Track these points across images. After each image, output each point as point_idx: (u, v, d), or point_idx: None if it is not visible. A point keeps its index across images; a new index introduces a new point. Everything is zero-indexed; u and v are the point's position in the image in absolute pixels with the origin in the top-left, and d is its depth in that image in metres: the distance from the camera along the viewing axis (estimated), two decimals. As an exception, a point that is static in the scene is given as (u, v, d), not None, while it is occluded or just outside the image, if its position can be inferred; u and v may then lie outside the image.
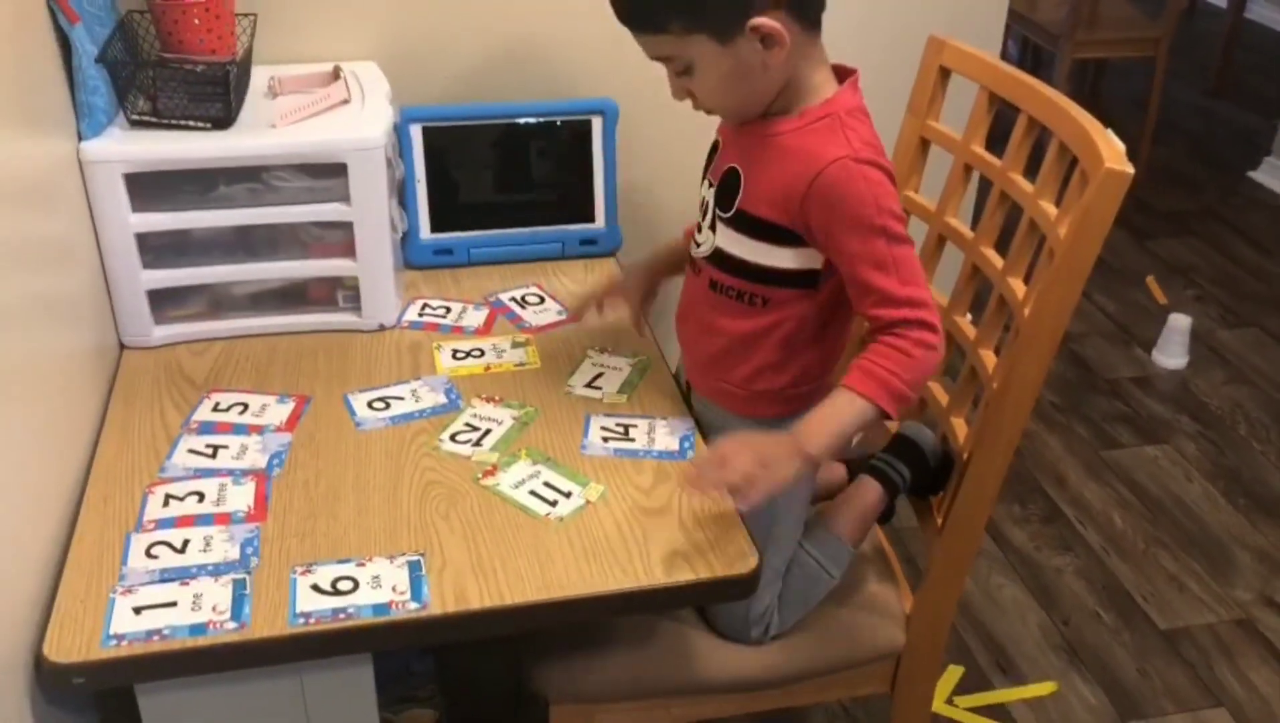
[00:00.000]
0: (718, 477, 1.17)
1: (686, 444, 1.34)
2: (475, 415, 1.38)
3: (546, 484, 1.27)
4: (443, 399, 1.40)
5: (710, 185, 1.33)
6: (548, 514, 1.23)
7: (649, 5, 1.19)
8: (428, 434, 1.35)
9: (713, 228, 1.31)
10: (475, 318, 1.59)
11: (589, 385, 1.43)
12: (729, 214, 1.28)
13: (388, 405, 1.39)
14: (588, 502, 1.24)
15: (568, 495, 1.25)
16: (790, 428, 1.23)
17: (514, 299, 1.63)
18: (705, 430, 1.37)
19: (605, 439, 1.34)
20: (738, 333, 1.32)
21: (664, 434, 1.35)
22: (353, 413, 1.38)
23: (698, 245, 1.35)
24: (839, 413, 1.22)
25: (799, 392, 1.34)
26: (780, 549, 1.39)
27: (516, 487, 1.27)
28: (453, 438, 1.34)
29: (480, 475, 1.28)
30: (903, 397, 1.22)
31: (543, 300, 1.63)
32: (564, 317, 1.59)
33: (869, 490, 1.47)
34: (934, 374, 1.28)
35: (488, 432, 1.35)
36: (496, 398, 1.41)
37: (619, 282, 1.52)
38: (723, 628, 1.41)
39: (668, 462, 1.31)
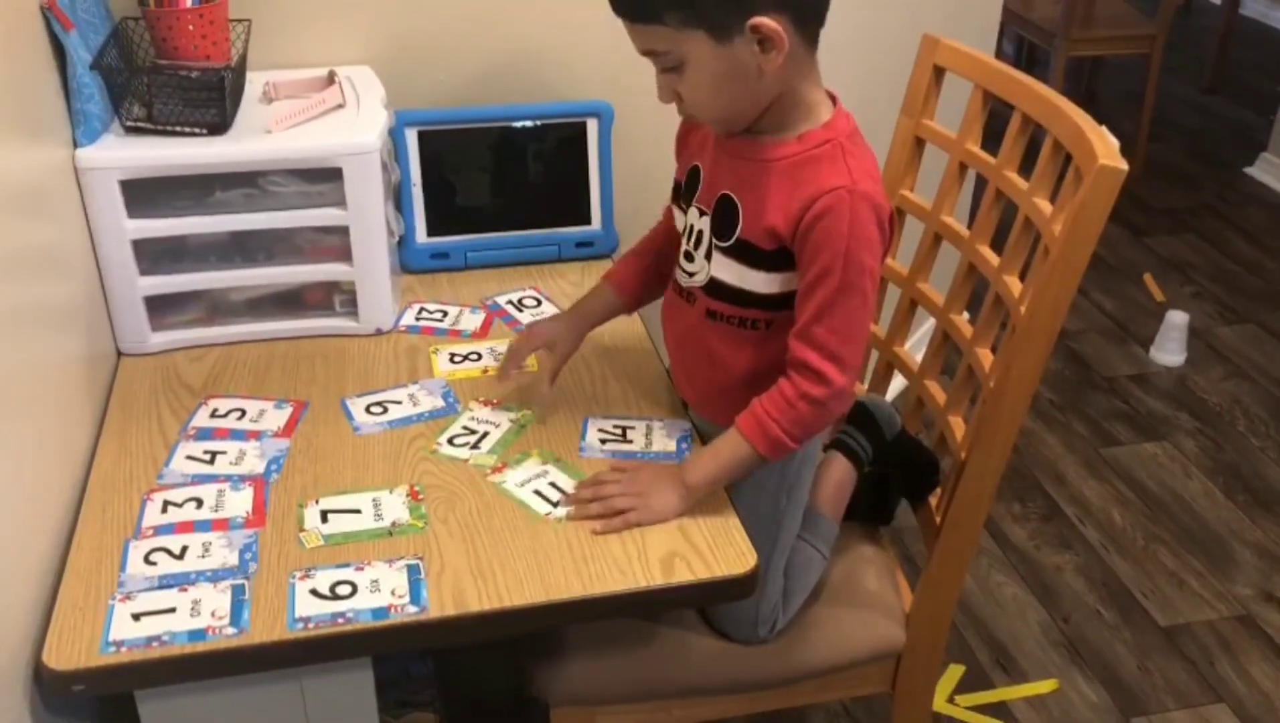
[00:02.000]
0: (595, 507, 1.22)
1: (684, 445, 1.34)
2: (473, 418, 1.38)
3: (552, 484, 1.27)
4: (440, 403, 1.41)
5: (701, 213, 1.29)
6: (547, 514, 1.23)
7: None
8: (425, 438, 1.35)
9: (708, 257, 1.28)
10: (472, 321, 1.59)
11: (453, 443, 1.35)
12: (728, 243, 1.25)
13: (385, 410, 1.39)
14: None
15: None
16: (799, 452, 1.27)
17: (511, 302, 1.63)
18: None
19: (603, 441, 1.34)
20: (747, 362, 1.29)
21: (661, 436, 1.35)
22: (350, 417, 1.38)
23: (688, 275, 1.32)
24: (724, 451, 1.25)
25: None
26: (784, 549, 1.39)
27: (521, 485, 1.27)
28: (450, 441, 1.34)
29: (489, 471, 1.28)
30: (780, 444, 1.22)
31: (539, 303, 1.63)
32: None
33: (836, 464, 1.49)
34: (824, 425, 1.27)
35: (485, 435, 1.36)
36: (494, 401, 1.41)
37: (551, 339, 1.41)
38: (729, 630, 1.40)
39: (665, 463, 1.31)
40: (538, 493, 1.26)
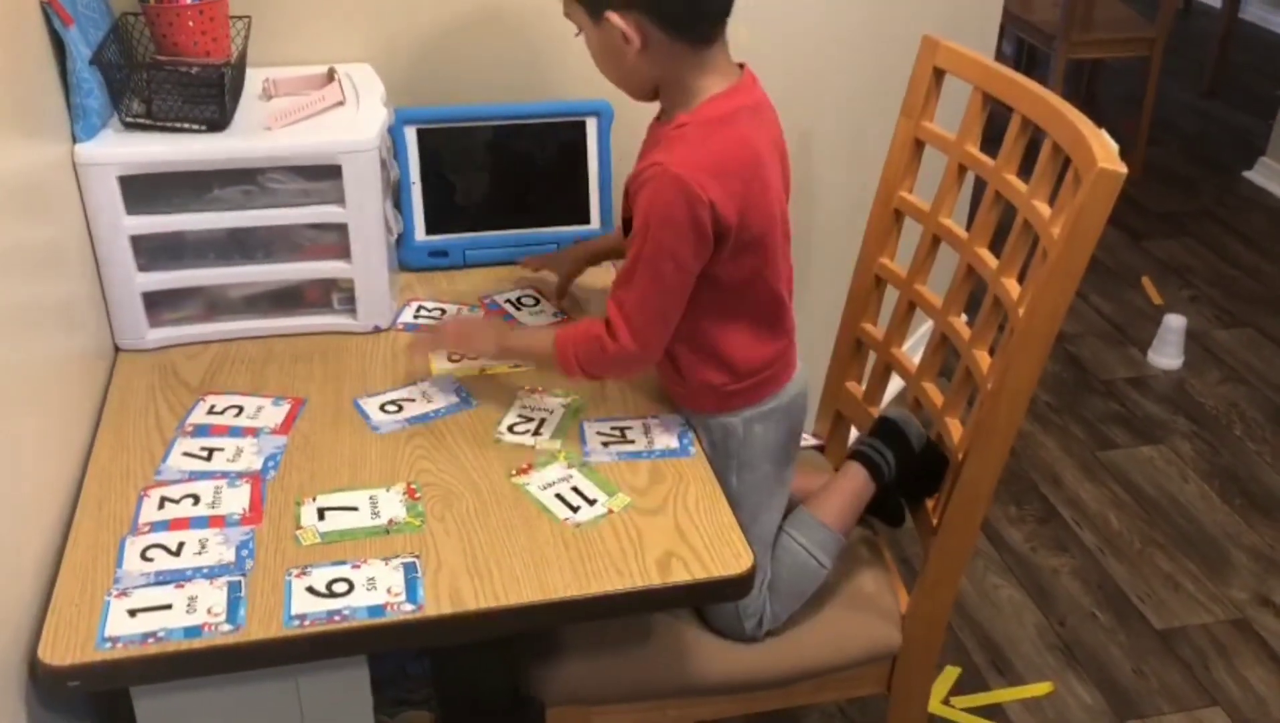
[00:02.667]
0: (430, 342, 1.44)
1: (685, 440, 1.34)
2: (525, 406, 1.40)
3: (575, 490, 1.27)
4: (455, 398, 1.41)
5: None
6: (566, 519, 1.22)
7: None
8: (431, 436, 1.34)
9: None
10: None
11: (514, 431, 1.37)
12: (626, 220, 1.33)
13: (400, 408, 1.39)
14: (610, 511, 1.24)
15: (592, 503, 1.25)
16: (729, 419, 1.36)
17: (509, 301, 1.62)
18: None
19: (605, 444, 1.34)
20: None
21: (660, 432, 1.35)
22: (367, 418, 1.38)
23: None
24: (539, 337, 1.42)
25: (735, 388, 1.35)
26: (757, 540, 1.39)
27: (545, 488, 1.27)
28: (511, 430, 1.36)
29: (514, 472, 1.28)
30: (567, 362, 1.32)
31: (537, 302, 1.63)
32: (560, 319, 1.59)
33: (855, 475, 1.48)
34: (615, 374, 1.39)
35: (543, 421, 1.37)
36: (541, 388, 1.42)
37: (552, 255, 1.63)
38: (717, 625, 1.41)
39: (669, 461, 1.31)
40: (560, 498, 1.25)
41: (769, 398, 1.38)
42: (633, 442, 1.34)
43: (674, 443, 1.34)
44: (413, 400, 1.41)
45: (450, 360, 1.47)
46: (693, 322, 1.31)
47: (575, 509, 1.24)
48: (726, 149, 1.24)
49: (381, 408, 1.39)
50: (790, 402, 1.40)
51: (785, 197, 1.34)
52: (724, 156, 1.24)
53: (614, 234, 1.55)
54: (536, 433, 1.35)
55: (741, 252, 1.27)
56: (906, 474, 1.50)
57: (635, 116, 1.49)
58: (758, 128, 1.29)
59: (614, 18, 1.21)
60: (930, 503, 1.50)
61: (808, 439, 1.72)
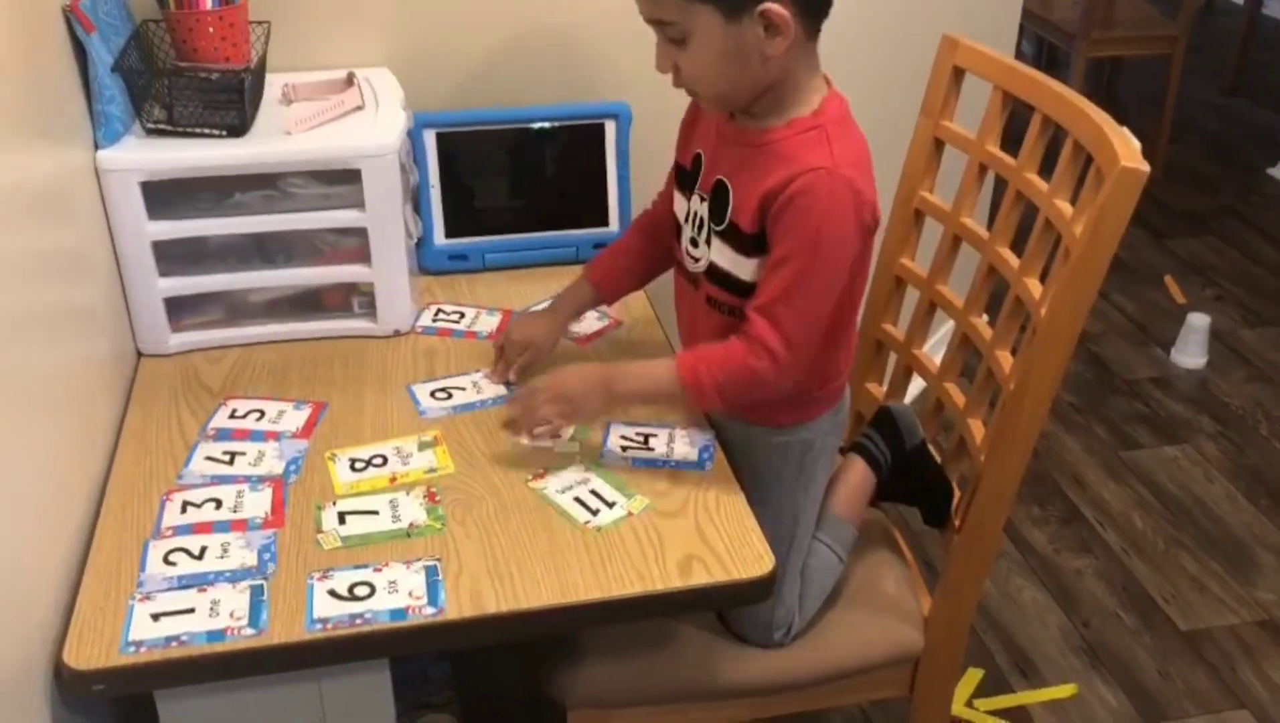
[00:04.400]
0: (529, 420, 1.28)
1: (705, 455, 1.33)
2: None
3: (593, 492, 1.26)
4: (503, 391, 1.42)
5: (702, 200, 1.31)
6: (587, 522, 1.22)
7: None
8: (453, 439, 1.34)
9: (708, 242, 1.30)
10: (489, 323, 1.59)
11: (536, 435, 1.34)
12: (721, 227, 1.27)
13: (450, 395, 1.41)
14: (629, 514, 1.24)
15: (611, 506, 1.24)
16: (808, 435, 1.31)
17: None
18: (727, 447, 1.35)
19: (624, 448, 1.33)
20: None
21: (683, 444, 1.34)
22: (416, 402, 1.40)
23: (694, 260, 1.34)
24: (653, 376, 1.29)
25: (812, 397, 1.34)
26: (800, 549, 1.39)
27: (562, 492, 1.26)
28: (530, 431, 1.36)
29: (530, 477, 1.28)
30: (705, 395, 1.25)
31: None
32: (605, 323, 1.59)
33: (856, 467, 1.49)
34: (750, 397, 1.27)
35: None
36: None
37: (530, 342, 1.45)
38: (745, 633, 1.40)
39: (685, 471, 1.31)
40: (578, 501, 1.25)
41: (839, 403, 1.37)
42: (652, 449, 1.34)
43: (692, 456, 1.33)
44: (463, 389, 1.43)
45: (548, 437, 1.31)
46: None
47: (595, 512, 1.24)
48: (863, 148, 1.23)
49: (432, 395, 1.42)
50: (847, 405, 1.41)
51: None
52: (865, 155, 1.23)
53: (580, 288, 1.47)
54: (555, 436, 1.34)
55: (865, 254, 1.26)
56: (899, 473, 1.51)
57: (653, 119, 1.50)
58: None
59: (774, 8, 1.13)
60: (953, 505, 1.49)
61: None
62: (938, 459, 1.52)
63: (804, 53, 1.21)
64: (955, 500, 1.47)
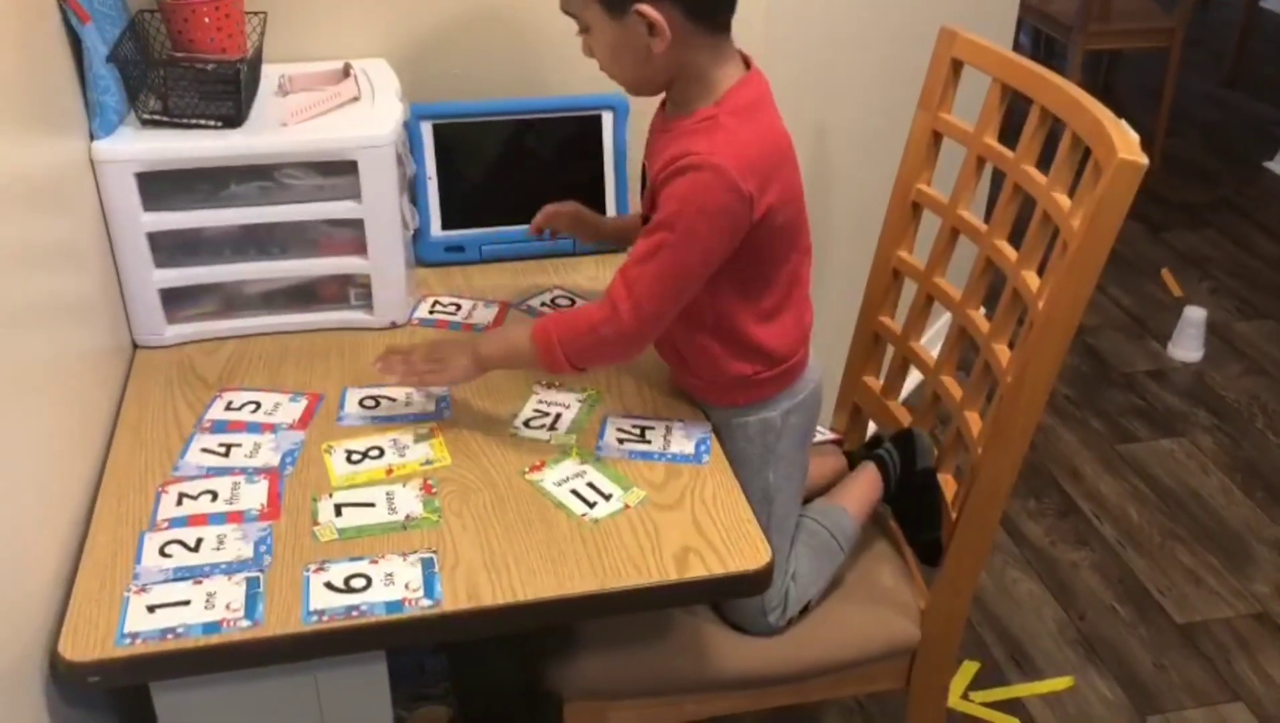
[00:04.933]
0: (403, 366, 1.33)
1: (702, 448, 1.33)
2: (542, 401, 1.39)
3: (590, 485, 1.26)
4: (431, 407, 1.39)
5: (643, 191, 1.35)
6: (584, 515, 1.22)
7: None
8: (447, 431, 1.34)
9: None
10: (485, 315, 1.58)
11: (529, 426, 1.37)
12: (647, 214, 1.30)
13: (378, 404, 1.39)
14: (626, 506, 1.24)
15: (608, 498, 1.25)
16: (769, 414, 1.35)
17: (544, 304, 1.61)
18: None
19: (621, 441, 1.33)
20: (678, 333, 1.33)
21: (680, 437, 1.34)
22: (341, 406, 1.38)
23: None
24: (512, 338, 1.33)
25: (770, 375, 1.35)
26: (780, 530, 1.40)
27: (559, 484, 1.26)
28: (527, 425, 1.36)
29: (527, 470, 1.28)
30: (553, 356, 1.27)
31: (573, 302, 1.61)
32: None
33: (867, 475, 1.54)
34: (602, 361, 1.34)
35: (559, 416, 1.37)
36: (558, 384, 1.42)
37: (576, 214, 1.55)
38: (739, 620, 1.41)
39: (681, 464, 1.31)
40: (575, 493, 1.25)
41: (798, 383, 1.38)
42: (649, 442, 1.34)
43: (689, 449, 1.33)
44: (393, 400, 1.39)
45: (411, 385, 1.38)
46: (721, 312, 1.30)
47: (592, 505, 1.23)
48: (761, 138, 1.24)
49: (360, 402, 1.40)
50: (815, 386, 1.41)
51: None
52: (760, 147, 1.23)
53: (627, 218, 1.53)
54: (552, 428, 1.35)
55: (772, 236, 1.26)
56: (903, 491, 1.55)
57: (650, 111, 1.48)
58: (777, 115, 1.29)
59: (647, 9, 1.19)
60: (949, 496, 1.49)
61: (825, 433, 1.71)
62: (939, 493, 1.53)
63: (703, 46, 1.24)
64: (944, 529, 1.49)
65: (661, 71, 1.26)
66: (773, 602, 1.39)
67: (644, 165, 1.35)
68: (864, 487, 1.53)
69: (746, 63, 1.29)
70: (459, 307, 1.60)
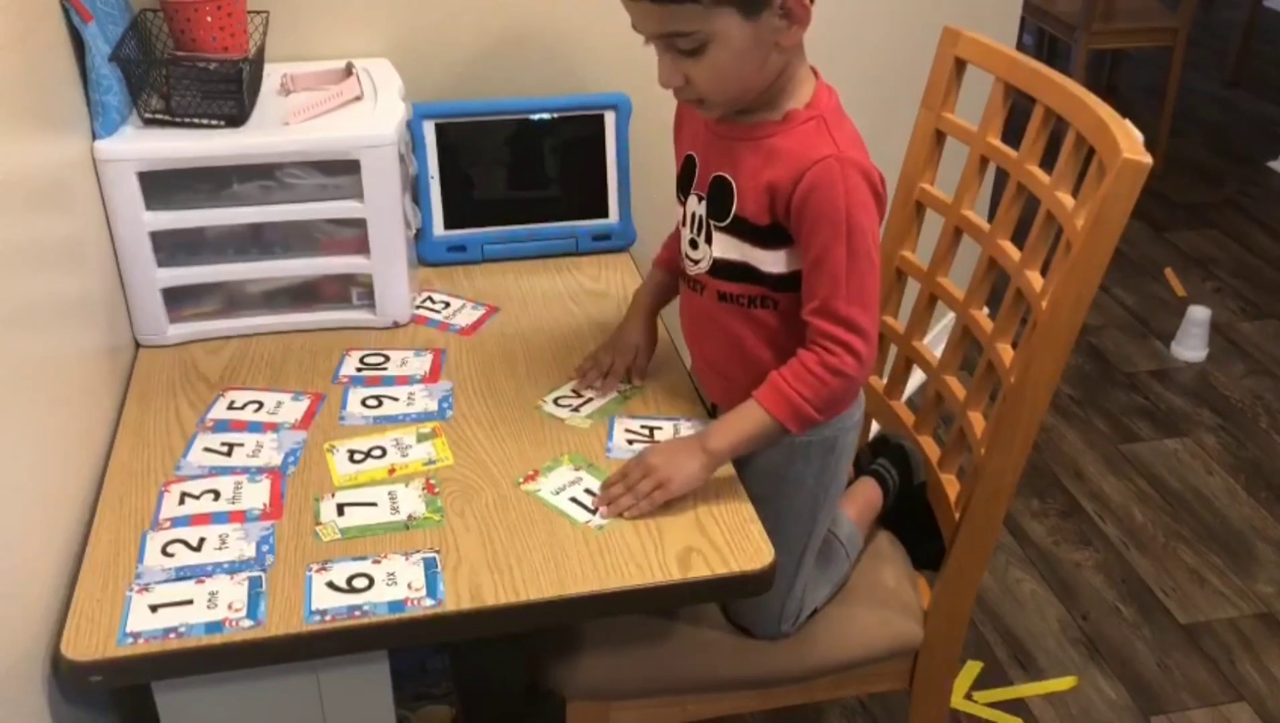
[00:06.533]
0: (629, 498, 1.21)
1: None
2: (575, 388, 1.41)
3: (587, 491, 1.25)
4: (434, 407, 1.39)
5: (700, 199, 1.29)
6: (588, 522, 1.21)
7: None
8: (451, 430, 1.34)
9: (709, 240, 1.29)
10: (470, 316, 1.57)
11: (558, 403, 1.39)
12: (725, 222, 1.26)
13: (380, 404, 1.39)
14: None
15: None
16: (827, 432, 1.30)
17: (559, 400, 1.46)
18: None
19: (630, 441, 1.33)
20: (769, 345, 1.30)
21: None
22: (344, 405, 1.38)
23: (694, 262, 1.32)
24: (745, 422, 1.24)
25: None
26: (815, 548, 1.39)
27: (557, 493, 1.25)
28: (556, 401, 1.37)
29: (521, 480, 1.27)
30: (808, 418, 1.23)
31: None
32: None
33: (867, 486, 1.54)
34: (852, 397, 1.29)
35: (589, 400, 1.38)
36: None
37: (634, 346, 1.44)
38: (751, 625, 1.40)
39: (681, 437, 1.31)
40: (574, 501, 1.24)
41: (858, 400, 1.37)
42: (658, 442, 1.32)
43: None
44: (395, 400, 1.39)
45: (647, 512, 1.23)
46: (795, 322, 1.26)
47: (594, 511, 1.23)
48: (857, 134, 1.23)
49: (363, 402, 1.39)
50: (863, 399, 1.40)
51: None
52: (858, 137, 1.23)
53: (654, 277, 1.46)
54: (575, 411, 1.35)
55: None
56: (900, 506, 1.56)
57: (652, 110, 1.49)
58: None
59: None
60: (952, 496, 1.49)
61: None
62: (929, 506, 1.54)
63: (800, 43, 1.21)
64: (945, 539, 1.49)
65: (772, 72, 1.19)
66: (790, 612, 1.39)
67: (680, 168, 1.32)
68: (866, 498, 1.53)
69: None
70: (447, 304, 1.60)
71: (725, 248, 1.27)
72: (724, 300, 1.31)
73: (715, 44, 1.14)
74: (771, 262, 1.25)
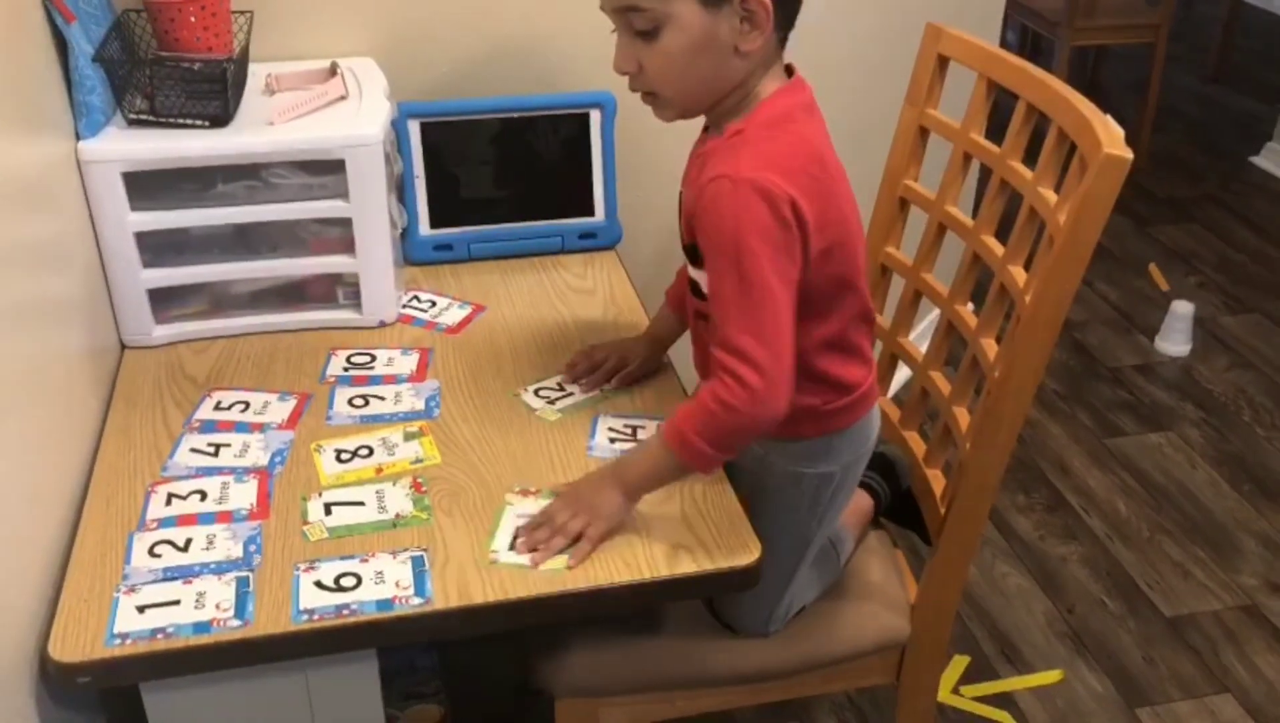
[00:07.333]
0: (553, 540, 1.16)
1: None
2: (561, 382, 1.42)
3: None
4: (420, 406, 1.39)
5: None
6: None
7: None
8: (437, 429, 1.34)
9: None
10: (456, 314, 1.58)
11: (538, 394, 1.40)
12: (685, 243, 1.25)
13: (366, 403, 1.39)
14: None
15: None
16: (829, 468, 1.31)
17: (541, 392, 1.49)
18: (738, 472, 1.30)
19: (612, 441, 1.33)
20: None
21: None
22: (331, 405, 1.38)
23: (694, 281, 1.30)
24: (650, 453, 1.20)
25: (836, 406, 1.30)
26: (808, 561, 1.39)
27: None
28: (536, 392, 1.39)
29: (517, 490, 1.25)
30: (698, 453, 1.15)
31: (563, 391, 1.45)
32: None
33: (859, 495, 1.52)
34: (747, 433, 1.17)
35: (570, 395, 1.39)
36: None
37: (624, 347, 1.44)
38: (737, 624, 1.40)
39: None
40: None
41: (865, 429, 1.34)
42: (641, 442, 1.33)
43: None
44: (382, 399, 1.39)
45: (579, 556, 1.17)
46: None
47: (512, 546, 1.18)
48: (791, 148, 1.15)
49: (350, 402, 1.39)
50: (875, 438, 1.38)
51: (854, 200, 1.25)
52: (789, 155, 1.14)
53: (662, 314, 1.45)
54: (551, 403, 1.36)
55: (825, 257, 1.17)
56: (896, 507, 1.56)
57: (638, 109, 1.48)
58: (815, 126, 1.21)
59: None
60: (938, 492, 1.50)
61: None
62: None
63: (769, 56, 1.18)
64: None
65: (729, 79, 1.16)
66: (779, 615, 1.39)
67: (680, 193, 1.29)
68: (857, 505, 1.51)
69: (789, 71, 1.22)
70: (433, 302, 1.60)
71: (693, 269, 1.26)
72: (699, 319, 1.31)
73: (670, 27, 1.12)
74: (706, 281, 1.20)
